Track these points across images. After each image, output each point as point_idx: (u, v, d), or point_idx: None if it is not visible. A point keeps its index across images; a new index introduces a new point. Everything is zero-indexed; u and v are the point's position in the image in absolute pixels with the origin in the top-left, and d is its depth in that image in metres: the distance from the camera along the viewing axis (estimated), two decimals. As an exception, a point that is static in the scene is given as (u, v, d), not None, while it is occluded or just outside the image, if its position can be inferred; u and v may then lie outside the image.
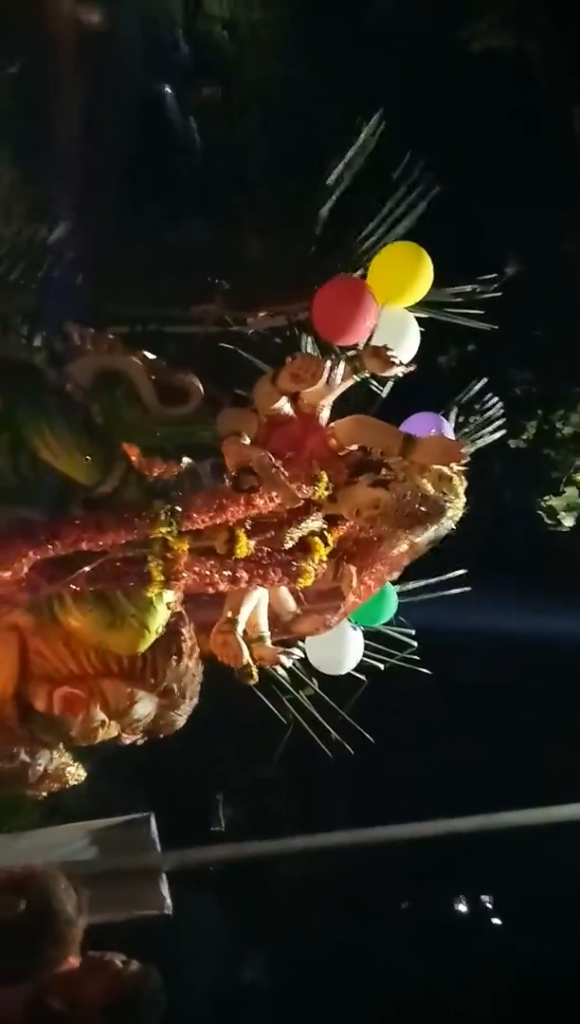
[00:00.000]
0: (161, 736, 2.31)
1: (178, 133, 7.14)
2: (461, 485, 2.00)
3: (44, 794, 2.31)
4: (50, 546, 1.88)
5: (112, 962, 2.02)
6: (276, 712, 2.72)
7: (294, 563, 2.02)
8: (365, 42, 6.98)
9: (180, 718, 2.30)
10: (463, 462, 2.02)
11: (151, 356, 2.27)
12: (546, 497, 6.71)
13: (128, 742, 2.28)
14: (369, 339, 2.29)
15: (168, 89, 7.17)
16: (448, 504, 1.96)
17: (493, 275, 2.70)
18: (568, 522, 6.69)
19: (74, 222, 2.61)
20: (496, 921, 9.26)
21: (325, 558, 2.08)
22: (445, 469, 1.98)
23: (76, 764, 2.29)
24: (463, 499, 2.00)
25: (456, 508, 1.99)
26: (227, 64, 7.38)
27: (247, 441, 1.99)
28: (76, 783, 2.30)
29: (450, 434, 2.47)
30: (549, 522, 6.71)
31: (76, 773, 2.28)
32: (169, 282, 2.53)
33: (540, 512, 6.73)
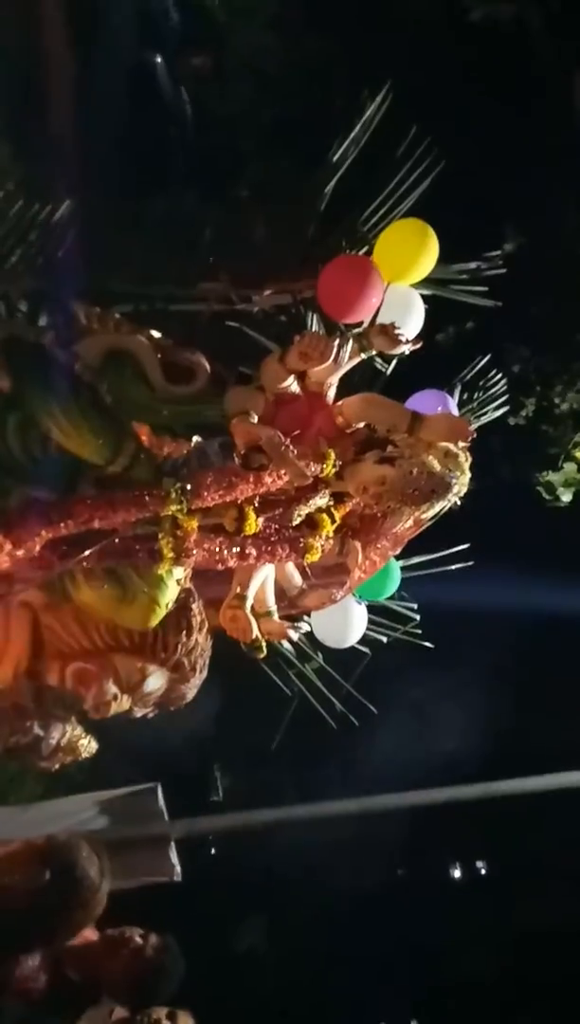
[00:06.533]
0: (171, 709, 2.37)
1: (169, 104, 7.02)
2: (466, 461, 2.02)
3: (56, 766, 2.37)
4: (62, 525, 1.91)
5: (132, 938, 2.08)
6: (281, 684, 2.78)
7: (301, 539, 2.05)
8: (362, 11, 6.84)
9: (190, 691, 2.35)
10: (469, 439, 2.04)
11: (157, 335, 2.28)
12: (544, 473, 6.74)
13: (139, 715, 2.34)
14: (374, 317, 2.30)
15: (159, 59, 7.04)
16: (454, 480, 1.99)
17: (496, 252, 2.70)
18: (566, 497, 6.72)
19: (73, 200, 2.60)
20: (493, 888, 9.46)
21: (331, 534, 2.11)
22: (451, 446, 2.00)
23: (88, 737, 2.34)
24: (468, 475, 2.03)
25: (462, 484, 2.01)
26: (219, 33, 7.23)
27: (255, 420, 2.01)
28: (88, 755, 2.36)
29: (455, 411, 2.49)
30: (547, 497, 6.74)
31: (88, 746, 2.34)
32: (174, 260, 2.53)
33: (539, 488, 6.76)
